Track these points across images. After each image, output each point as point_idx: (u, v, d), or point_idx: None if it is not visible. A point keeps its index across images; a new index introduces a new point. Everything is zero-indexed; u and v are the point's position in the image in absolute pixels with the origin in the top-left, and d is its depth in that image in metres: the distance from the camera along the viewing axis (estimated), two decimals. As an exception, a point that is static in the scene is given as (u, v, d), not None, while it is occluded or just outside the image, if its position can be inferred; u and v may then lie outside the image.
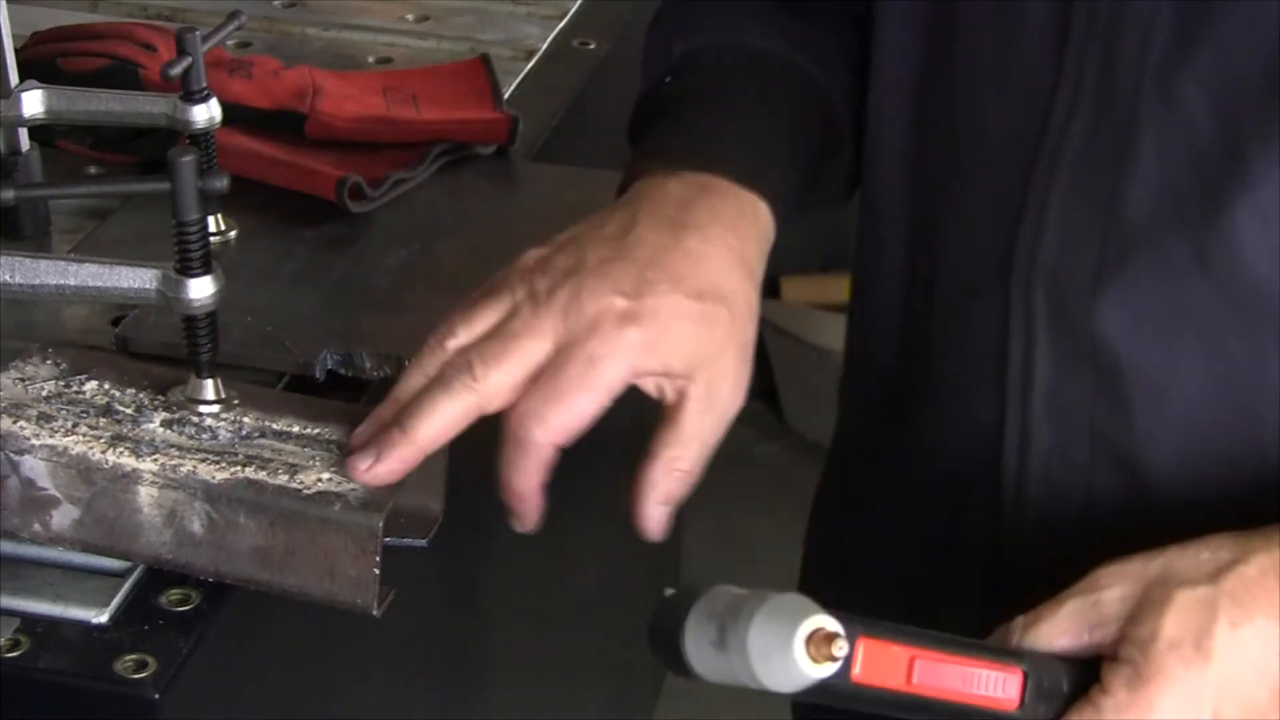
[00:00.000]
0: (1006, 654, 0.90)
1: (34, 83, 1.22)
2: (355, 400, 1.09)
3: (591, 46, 1.64)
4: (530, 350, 0.94)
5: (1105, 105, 0.98)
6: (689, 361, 0.95)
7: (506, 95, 1.47)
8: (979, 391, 1.05)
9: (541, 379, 0.94)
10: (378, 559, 0.94)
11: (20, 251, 1.03)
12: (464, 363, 0.94)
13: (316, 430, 1.00)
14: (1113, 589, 0.91)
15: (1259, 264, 0.96)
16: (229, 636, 0.97)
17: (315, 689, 1.14)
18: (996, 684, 0.88)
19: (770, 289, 3.33)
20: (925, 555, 1.13)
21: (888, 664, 0.86)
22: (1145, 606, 0.90)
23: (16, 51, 1.23)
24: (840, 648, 0.81)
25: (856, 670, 0.85)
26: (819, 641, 0.81)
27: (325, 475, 0.96)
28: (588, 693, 2.02)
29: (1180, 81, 0.96)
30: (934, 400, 1.10)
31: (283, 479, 0.96)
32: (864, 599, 0.98)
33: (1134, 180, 0.97)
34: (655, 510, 0.96)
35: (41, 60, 1.36)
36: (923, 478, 1.11)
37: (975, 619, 0.95)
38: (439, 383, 0.94)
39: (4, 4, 1.19)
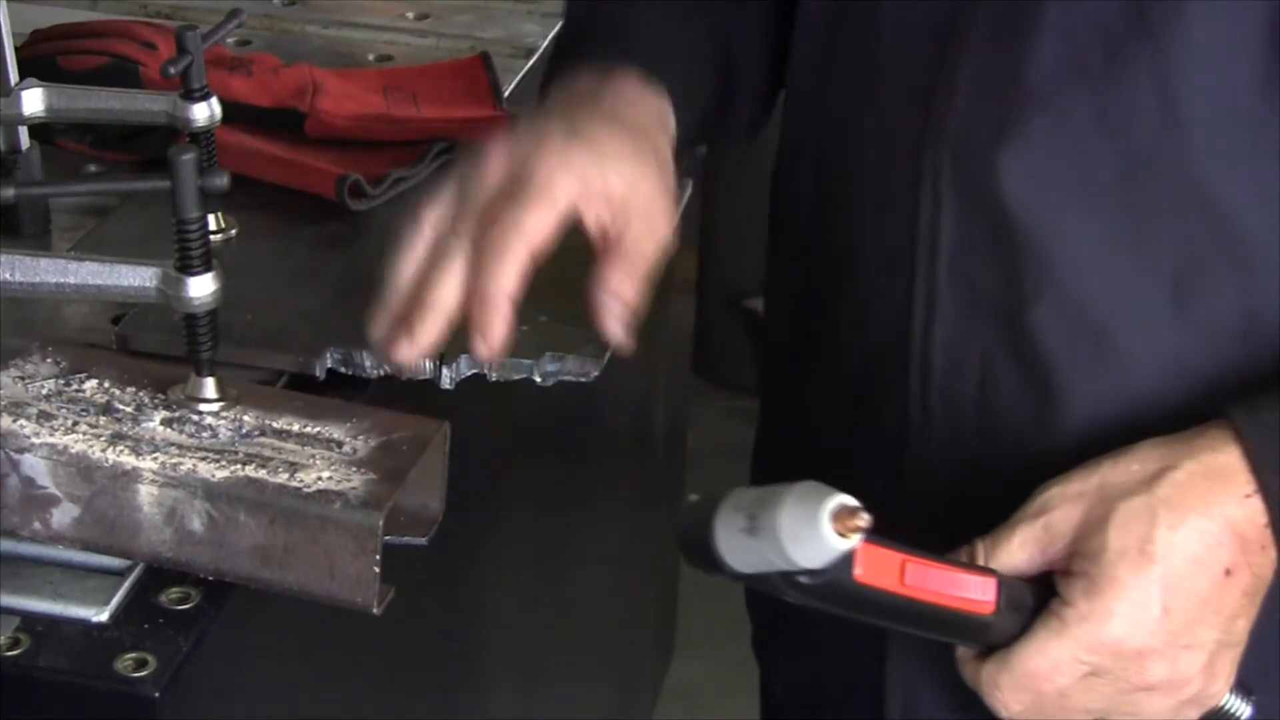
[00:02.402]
0: (980, 567, 0.99)
1: (34, 81, 1.22)
2: (355, 399, 1.09)
3: (592, 45, 1.64)
4: (490, 190, 1.02)
5: None
6: (628, 179, 1.04)
7: (506, 93, 1.47)
8: (891, 270, 1.10)
9: (504, 200, 1.02)
10: (378, 557, 0.94)
11: (20, 250, 1.03)
12: (449, 231, 1.03)
13: (316, 429, 1.00)
14: (1058, 510, 0.99)
15: (1155, 122, 1.01)
16: (229, 636, 0.97)
17: (315, 688, 1.14)
18: (976, 588, 0.97)
19: (770, 288, 3.33)
20: (843, 440, 1.18)
21: (883, 566, 0.94)
22: (1090, 522, 0.98)
23: (16, 50, 1.23)
24: (863, 520, 0.88)
25: (859, 570, 0.92)
26: (844, 516, 0.88)
27: (325, 474, 0.96)
28: (588, 693, 2.02)
29: None
30: (849, 290, 1.15)
31: (283, 477, 0.96)
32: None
33: (1039, 43, 1.02)
34: (611, 303, 1.05)
35: (41, 58, 1.36)
36: (840, 367, 1.17)
37: (890, 498, 1.04)
38: (435, 263, 1.02)
39: (4, 3, 1.19)
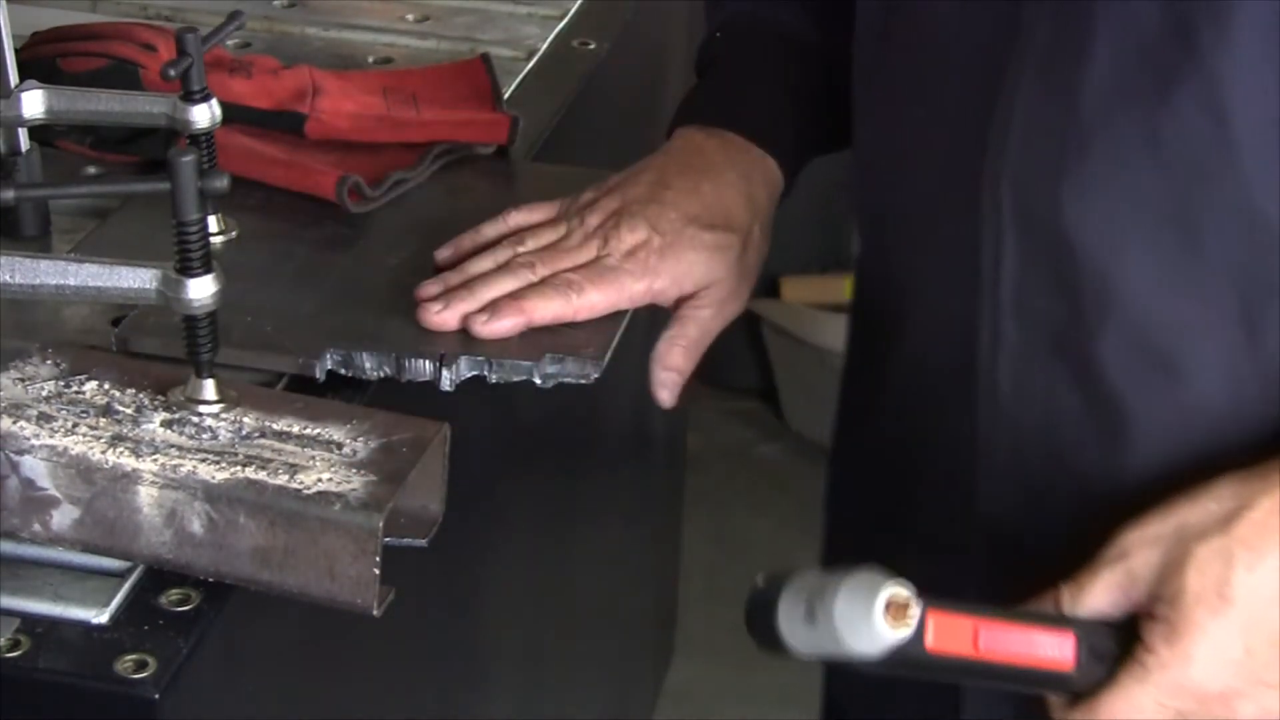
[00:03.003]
0: (1057, 620, 1.00)
1: (34, 83, 1.22)
2: (355, 400, 1.10)
3: (591, 46, 1.64)
4: (579, 259, 1.18)
5: (1064, 14, 1.04)
6: (698, 282, 1.20)
7: (506, 95, 1.47)
8: (954, 295, 1.12)
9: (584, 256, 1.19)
10: (378, 559, 0.94)
11: (20, 251, 1.03)
12: (527, 261, 1.17)
13: (316, 430, 1.00)
14: (1138, 554, 1.00)
15: (1208, 144, 1.01)
16: (229, 636, 0.97)
17: (315, 689, 1.14)
18: (1053, 646, 0.98)
19: (770, 289, 3.33)
20: (915, 459, 1.21)
21: (956, 633, 0.96)
22: (1169, 565, 0.99)
23: (16, 51, 1.23)
24: (914, 612, 0.91)
25: (929, 640, 0.94)
26: (895, 608, 0.91)
27: (325, 475, 0.96)
28: (587, 693, 2.02)
29: None
30: (915, 315, 1.18)
31: (283, 479, 0.96)
32: (872, 517, 1.27)
33: (1089, 73, 1.03)
34: (664, 375, 1.20)
35: (41, 60, 1.36)
36: (913, 385, 1.19)
37: (960, 520, 1.13)
38: (505, 269, 1.17)
39: (4, 4, 1.19)
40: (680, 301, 1.20)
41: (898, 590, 0.91)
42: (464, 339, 1.14)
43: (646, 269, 1.17)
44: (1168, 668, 0.98)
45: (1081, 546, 1.03)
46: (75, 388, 1.01)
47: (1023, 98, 1.06)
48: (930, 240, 1.14)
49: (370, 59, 1.57)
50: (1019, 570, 1.06)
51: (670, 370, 1.20)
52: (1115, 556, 1.00)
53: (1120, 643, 0.99)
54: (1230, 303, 1.03)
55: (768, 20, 1.33)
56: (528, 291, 1.15)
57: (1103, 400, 1.07)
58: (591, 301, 1.16)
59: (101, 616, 0.94)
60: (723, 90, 1.30)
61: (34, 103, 1.21)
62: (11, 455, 0.96)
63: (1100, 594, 1.00)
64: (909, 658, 0.94)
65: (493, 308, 1.14)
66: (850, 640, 0.91)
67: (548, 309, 1.14)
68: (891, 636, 0.91)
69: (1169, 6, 1.00)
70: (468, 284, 1.16)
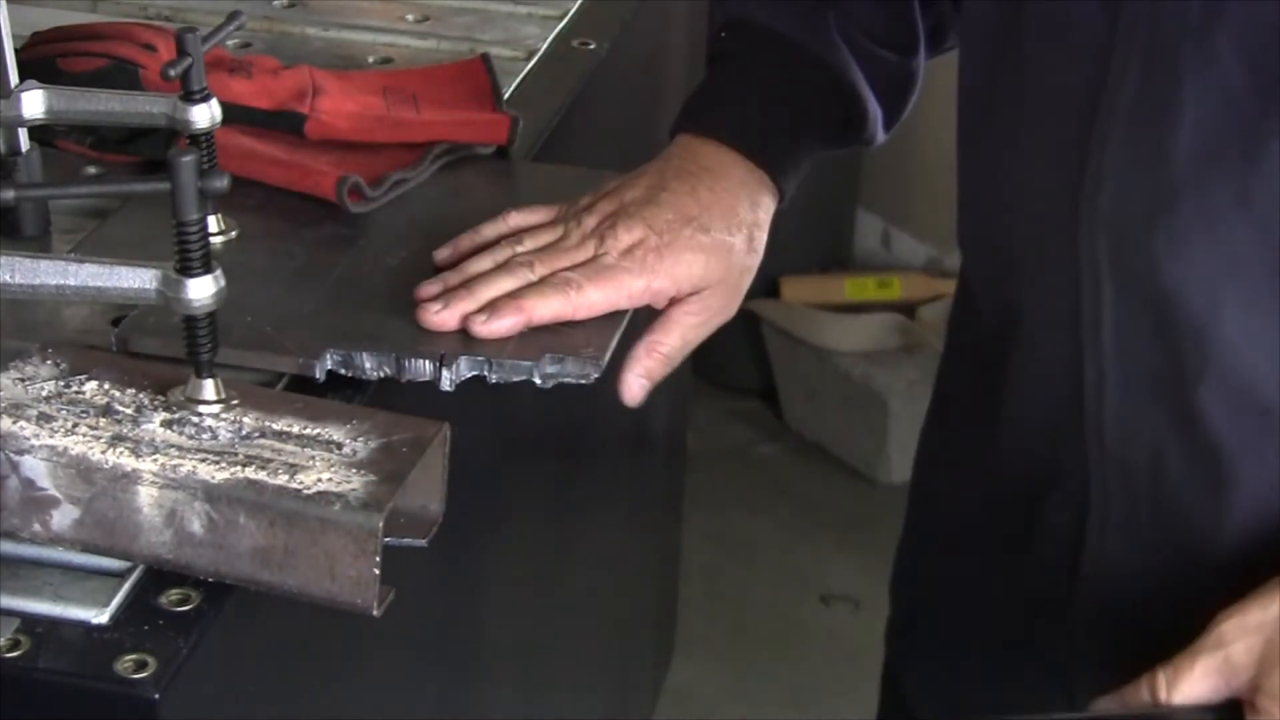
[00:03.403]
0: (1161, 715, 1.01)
1: (34, 83, 1.21)
2: (355, 400, 1.10)
3: (591, 46, 1.64)
4: (577, 258, 1.18)
5: (1152, 61, 1.05)
6: (695, 284, 1.20)
7: (506, 95, 1.47)
8: (1059, 337, 1.15)
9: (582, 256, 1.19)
10: (378, 559, 0.94)
11: (20, 251, 1.03)
12: (526, 260, 1.18)
13: (316, 430, 1.00)
14: (1238, 643, 1.01)
15: None
16: (229, 636, 0.97)
17: (315, 689, 1.14)
18: None
19: (770, 289, 3.33)
20: (1019, 511, 1.22)
21: None
22: (1269, 656, 1.00)
23: (16, 51, 1.23)
24: None
25: None
26: None
27: (325, 475, 0.96)
28: (587, 694, 2.02)
29: (1215, 35, 1.02)
30: (1021, 354, 1.20)
31: (283, 479, 0.96)
32: (962, 555, 1.29)
33: (1178, 130, 1.05)
34: (634, 380, 1.19)
35: (41, 60, 1.36)
36: (1022, 419, 1.21)
37: (1068, 566, 1.14)
38: (504, 269, 1.17)
39: (4, 4, 1.19)
40: (672, 303, 1.20)
41: None
42: (464, 339, 1.14)
43: (645, 267, 1.17)
44: None
45: (1186, 610, 1.04)
46: (75, 388, 1.01)
47: (1114, 149, 1.08)
48: (1035, 279, 1.17)
49: (370, 59, 1.57)
50: (1126, 614, 1.08)
51: (643, 377, 1.19)
52: (1214, 644, 1.02)
53: None
54: None
55: (766, 28, 1.34)
56: (527, 291, 1.15)
57: (1205, 446, 1.09)
58: (591, 300, 1.15)
59: (101, 616, 0.94)
60: (721, 100, 1.31)
61: (34, 103, 1.21)
62: (11, 455, 0.96)
63: (1199, 680, 1.01)
64: None
65: (492, 307, 1.14)
66: None
67: (547, 308, 1.14)
68: None
69: (1254, 64, 1.01)
70: (467, 284, 1.16)
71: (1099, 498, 1.15)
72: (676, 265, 1.18)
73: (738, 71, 1.32)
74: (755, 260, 1.24)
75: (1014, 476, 1.23)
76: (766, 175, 1.26)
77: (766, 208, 1.26)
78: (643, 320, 1.22)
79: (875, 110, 1.34)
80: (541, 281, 1.16)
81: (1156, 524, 1.12)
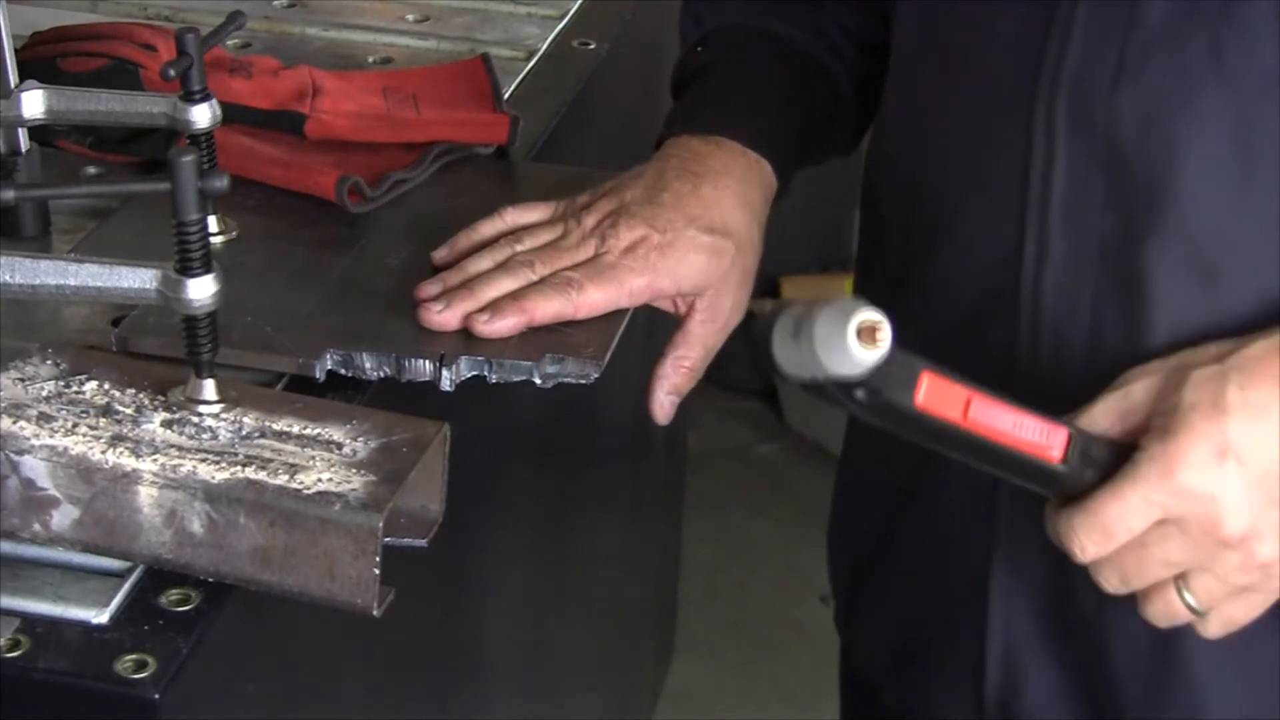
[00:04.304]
0: (1055, 417, 1.02)
1: (34, 83, 1.22)
2: (355, 400, 1.10)
3: (591, 46, 1.64)
4: (578, 257, 1.18)
5: None
6: (697, 284, 1.19)
7: (506, 95, 1.47)
8: (1000, 213, 1.14)
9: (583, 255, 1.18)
10: (378, 559, 0.94)
11: (20, 251, 1.03)
12: (527, 259, 1.18)
13: (316, 430, 1.00)
14: (1138, 382, 1.05)
15: (1270, 60, 1.03)
16: (229, 636, 0.97)
17: (315, 689, 1.14)
18: (1043, 434, 1.01)
19: (770, 289, 3.33)
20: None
21: (947, 398, 0.99)
22: (1166, 388, 1.03)
23: (16, 51, 1.23)
24: (884, 336, 0.94)
25: (920, 398, 0.98)
26: (867, 331, 0.94)
27: (325, 475, 0.96)
28: (588, 694, 2.02)
29: None
30: (952, 234, 1.19)
31: (283, 479, 0.96)
32: (891, 472, 1.28)
33: None
34: (664, 399, 1.21)
35: (41, 60, 1.36)
36: (944, 312, 1.20)
37: None
38: (505, 269, 1.17)
39: (4, 4, 1.19)
40: (684, 313, 1.20)
41: (870, 314, 0.93)
42: (464, 339, 1.14)
43: (647, 266, 1.17)
44: (1157, 463, 1.00)
45: None
46: (75, 388, 1.01)
47: (1082, 12, 1.08)
48: (973, 160, 1.16)
49: (370, 59, 1.57)
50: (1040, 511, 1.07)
51: (673, 394, 1.21)
52: (1114, 385, 1.05)
53: (1116, 458, 1.02)
54: (1273, 216, 1.06)
55: (756, 28, 1.33)
56: (528, 291, 1.15)
57: (1140, 306, 1.09)
58: (592, 299, 1.15)
59: (101, 616, 0.94)
60: (714, 97, 1.30)
61: (34, 103, 1.21)
62: (11, 455, 0.96)
63: (1099, 415, 1.04)
64: (896, 408, 0.97)
65: (494, 307, 1.14)
66: (826, 359, 0.94)
67: (549, 307, 1.14)
68: (864, 357, 0.94)
69: None
70: (468, 284, 1.16)
71: (1027, 358, 1.15)
72: (679, 264, 1.18)
73: (727, 74, 1.31)
74: (757, 258, 1.24)
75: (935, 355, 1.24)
76: (767, 164, 1.25)
77: (767, 201, 1.25)
78: (644, 322, 1.22)
79: (855, 114, 1.34)
80: (542, 281, 1.16)
81: (1089, 377, 1.11)
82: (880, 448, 1.31)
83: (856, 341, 0.93)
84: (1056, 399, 1.11)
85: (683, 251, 1.18)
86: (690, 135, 1.26)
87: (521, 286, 1.16)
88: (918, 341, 1.22)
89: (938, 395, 0.98)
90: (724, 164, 1.23)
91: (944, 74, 1.19)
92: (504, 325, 1.13)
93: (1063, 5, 1.09)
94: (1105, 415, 1.05)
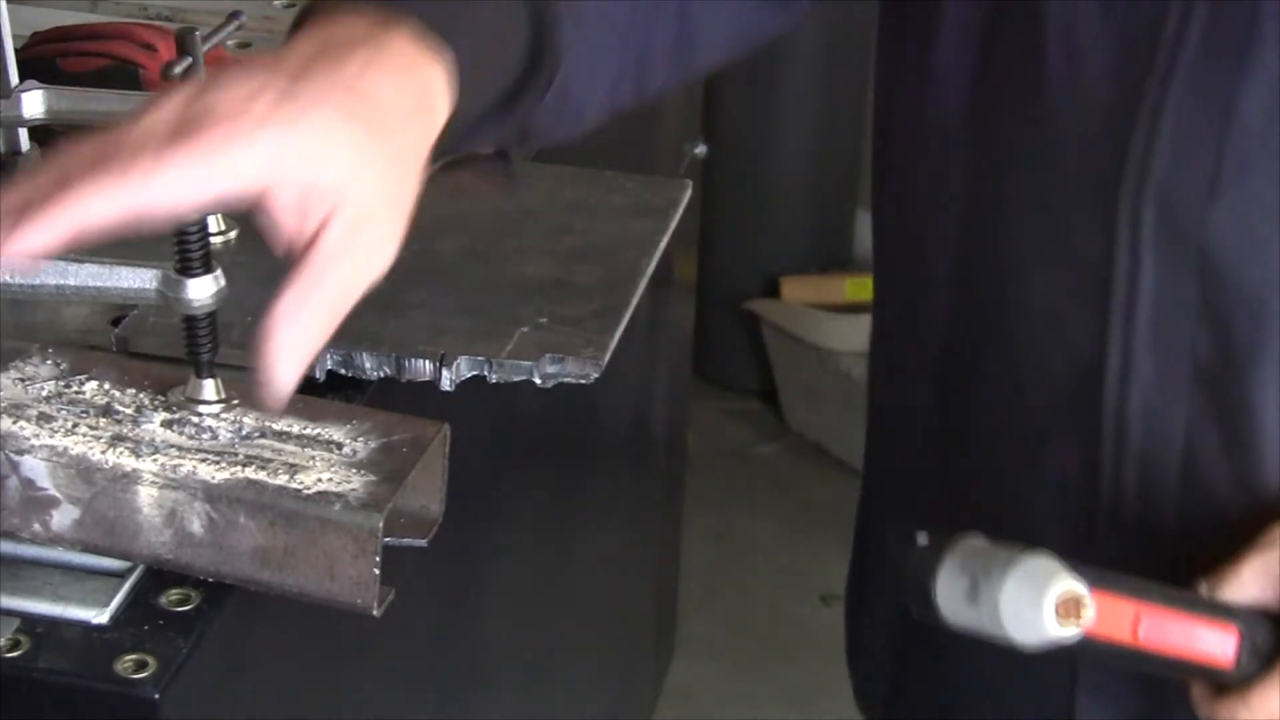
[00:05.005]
0: (1222, 611, 0.93)
1: (34, 83, 1.22)
2: (355, 400, 1.10)
3: (591, 46, 1.64)
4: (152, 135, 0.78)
5: (1222, 7, 0.95)
6: (339, 177, 0.79)
7: (506, 95, 1.47)
8: (1076, 324, 1.03)
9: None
10: (378, 559, 0.94)
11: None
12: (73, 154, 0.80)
13: (316, 430, 1.00)
14: None
15: None
16: (229, 636, 0.97)
17: (315, 689, 1.14)
18: (1216, 643, 0.92)
19: (770, 289, 3.33)
20: (1011, 512, 1.10)
21: (1115, 618, 0.89)
22: None
23: (16, 51, 1.23)
24: (1087, 610, 0.86)
25: (1087, 623, 0.88)
26: (1067, 604, 0.85)
27: (325, 475, 0.96)
28: (588, 693, 2.02)
29: None
30: (1013, 344, 1.06)
31: (283, 479, 0.96)
32: None
33: (1254, 81, 0.94)
34: (285, 340, 0.81)
35: (41, 60, 1.36)
36: (1003, 428, 1.08)
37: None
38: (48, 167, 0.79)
39: (4, 4, 1.19)
40: (306, 234, 0.81)
41: (1073, 586, 0.85)
42: (466, 339, 1.13)
43: (268, 117, 0.76)
44: None
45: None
46: (75, 388, 1.01)
47: (1172, 106, 0.96)
48: (1043, 252, 1.04)
49: (370, 59, 1.57)
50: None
51: (295, 352, 0.81)
52: (1263, 545, 0.94)
53: (1276, 637, 0.94)
54: None
55: None
56: (70, 179, 0.76)
57: (1246, 436, 1.00)
58: (170, 178, 0.75)
59: (101, 616, 0.94)
60: None
61: (34, 103, 1.21)
62: (11, 455, 0.96)
63: (1248, 582, 0.94)
64: (1064, 644, 0.88)
65: (18, 216, 0.76)
66: (1014, 630, 0.86)
67: (100, 197, 0.75)
68: (1059, 634, 0.86)
69: None
70: None
71: (1110, 501, 1.04)
72: (315, 121, 0.77)
73: None
74: (414, 178, 0.86)
75: (991, 497, 1.11)
76: (444, 70, 0.86)
77: (441, 116, 0.87)
78: (644, 322, 1.21)
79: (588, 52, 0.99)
80: (93, 164, 0.77)
81: (1183, 508, 1.02)
82: None
83: (1055, 618, 0.85)
84: (1145, 537, 1.03)
85: (308, 109, 0.78)
86: (336, 13, 0.85)
87: (59, 178, 0.77)
88: (966, 463, 1.11)
89: (1105, 616, 0.88)
90: (383, 45, 0.83)
91: (1004, 151, 1.05)
92: (35, 238, 0.75)
93: (1149, 93, 0.97)
94: (1255, 580, 0.94)
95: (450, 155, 1.27)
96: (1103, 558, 1.01)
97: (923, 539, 0.91)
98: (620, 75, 1.04)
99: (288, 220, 0.80)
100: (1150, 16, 0.97)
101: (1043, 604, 0.85)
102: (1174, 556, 1.01)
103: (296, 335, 0.80)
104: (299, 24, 0.87)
